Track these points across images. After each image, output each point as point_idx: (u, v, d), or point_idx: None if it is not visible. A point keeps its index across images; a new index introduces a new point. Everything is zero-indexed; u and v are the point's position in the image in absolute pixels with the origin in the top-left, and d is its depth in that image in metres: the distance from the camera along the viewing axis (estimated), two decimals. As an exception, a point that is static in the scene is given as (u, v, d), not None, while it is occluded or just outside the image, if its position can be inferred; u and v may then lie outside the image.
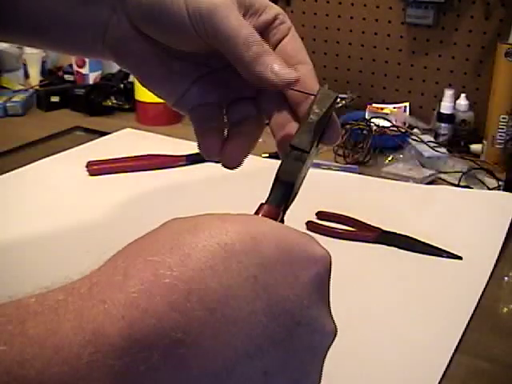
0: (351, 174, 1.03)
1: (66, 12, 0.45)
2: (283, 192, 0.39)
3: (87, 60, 1.50)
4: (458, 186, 1.00)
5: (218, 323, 0.29)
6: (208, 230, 0.31)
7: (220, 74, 0.46)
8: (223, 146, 0.44)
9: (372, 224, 0.83)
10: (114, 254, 0.32)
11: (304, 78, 0.42)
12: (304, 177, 0.42)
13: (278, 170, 0.39)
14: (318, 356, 0.34)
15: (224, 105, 0.46)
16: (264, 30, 0.43)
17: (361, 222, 0.84)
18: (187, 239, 0.30)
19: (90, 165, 1.02)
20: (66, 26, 0.46)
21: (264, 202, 0.39)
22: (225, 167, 0.45)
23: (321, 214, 0.86)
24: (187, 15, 0.40)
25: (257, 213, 0.38)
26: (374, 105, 1.26)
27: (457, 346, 0.61)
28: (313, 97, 0.42)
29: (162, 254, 0.30)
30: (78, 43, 0.48)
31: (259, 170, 1.09)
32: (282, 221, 0.39)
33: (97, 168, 1.02)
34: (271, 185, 0.40)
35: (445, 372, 0.58)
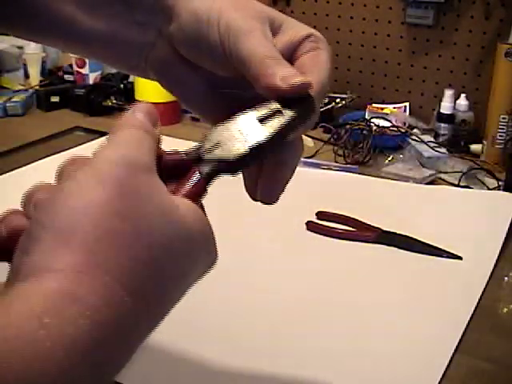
0: (351, 174, 1.03)
1: (112, 29, 0.45)
2: (222, 174, 0.37)
3: (87, 60, 1.50)
4: (458, 185, 1.00)
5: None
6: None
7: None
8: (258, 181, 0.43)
9: (372, 224, 0.83)
10: None
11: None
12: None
13: (235, 158, 0.37)
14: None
15: None
16: (293, 48, 0.43)
17: (361, 222, 0.84)
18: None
19: (90, 165, 1.02)
20: (111, 42, 0.46)
21: (198, 166, 0.37)
22: (263, 203, 0.44)
23: (321, 214, 0.86)
24: (218, 36, 0.41)
25: (190, 178, 0.36)
26: (374, 105, 1.26)
27: (457, 346, 0.61)
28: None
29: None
30: (121, 60, 0.48)
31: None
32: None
33: (97, 168, 1.01)
34: (206, 145, 0.38)
35: (445, 372, 0.58)
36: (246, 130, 0.38)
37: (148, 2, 0.44)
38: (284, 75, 0.39)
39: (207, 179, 0.37)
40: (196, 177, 0.36)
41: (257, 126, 0.38)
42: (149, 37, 0.45)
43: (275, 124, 0.38)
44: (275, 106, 0.39)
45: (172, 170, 0.36)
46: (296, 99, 0.39)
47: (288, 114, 0.38)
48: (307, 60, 0.42)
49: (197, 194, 0.36)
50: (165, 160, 0.37)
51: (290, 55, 0.42)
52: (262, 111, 0.38)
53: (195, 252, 0.34)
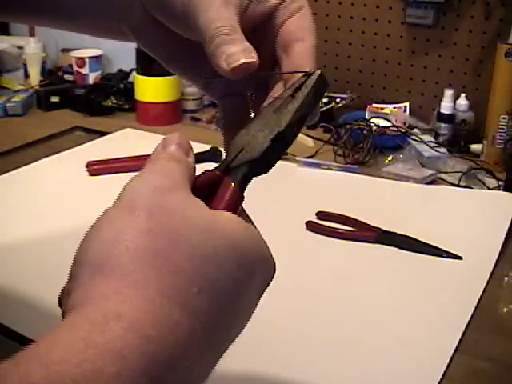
0: (351, 174, 1.03)
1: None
2: (254, 175, 0.37)
3: (87, 60, 1.50)
4: (458, 185, 1.00)
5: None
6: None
7: None
8: None
9: (372, 224, 0.83)
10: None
11: (297, 56, 0.40)
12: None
13: (261, 154, 0.37)
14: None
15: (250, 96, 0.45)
16: (272, 13, 0.42)
17: (361, 222, 0.84)
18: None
19: (90, 165, 1.02)
20: (96, 11, 0.48)
21: (229, 176, 0.37)
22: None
23: (321, 214, 0.86)
24: (182, 4, 0.40)
25: (225, 190, 0.36)
26: (374, 105, 1.26)
27: (457, 346, 0.61)
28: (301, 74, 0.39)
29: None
30: (106, 27, 0.50)
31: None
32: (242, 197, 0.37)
33: (97, 168, 1.02)
34: (231, 152, 0.37)
35: (445, 372, 0.58)
36: (265, 126, 0.37)
37: None
38: (228, 56, 0.38)
39: (241, 185, 0.36)
40: (229, 187, 0.36)
41: (274, 118, 0.38)
42: (126, 2, 0.46)
43: (291, 109, 0.37)
44: (286, 93, 0.38)
45: (207, 189, 0.36)
46: (305, 75, 0.38)
47: (300, 95, 0.38)
48: (293, 26, 0.41)
49: (234, 204, 0.36)
50: (198, 182, 0.36)
51: (271, 21, 0.41)
52: (276, 104, 0.38)
53: (244, 259, 0.32)
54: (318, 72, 0.38)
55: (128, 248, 0.29)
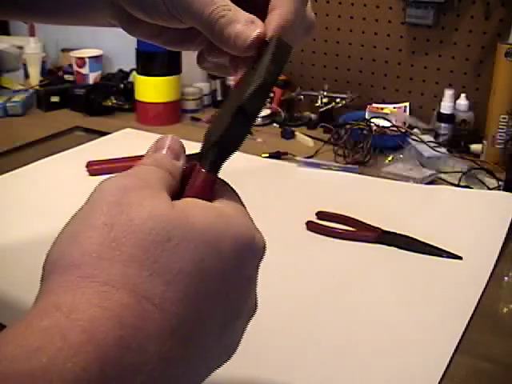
0: (351, 174, 1.04)
1: None
2: (223, 156, 0.37)
3: (87, 60, 1.50)
4: (458, 185, 1.00)
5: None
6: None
7: None
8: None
9: (372, 224, 0.83)
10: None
11: (267, 25, 0.40)
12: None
13: (223, 133, 0.36)
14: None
15: None
16: None
17: (361, 222, 0.84)
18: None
19: (90, 165, 1.02)
20: (84, 8, 0.48)
21: (199, 163, 0.37)
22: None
23: (321, 214, 0.86)
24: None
25: (195, 178, 0.36)
26: (374, 105, 1.26)
27: (457, 346, 0.61)
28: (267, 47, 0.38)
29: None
30: (97, 23, 0.50)
31: (259, 170, 1.10)
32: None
33: (97, 168, 1.02)
34: (204, 142, 0.37)
35: (445, 372, 0.58)
36: (228, 105, 0.37)
37: None
38: (236, 36, 0.38)
39: (211, 168, 0.36)
40: (197, 173, 0.36)
41: (235, 94, 0.37)
42: None
43: (250, 81, 0.36)
44: (248, 67, 0.38)
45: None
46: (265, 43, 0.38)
47: (259, 65, 0.37)
48: None
49: (201, 188, 0.36)
50: (185, 178, 0.37)
51: None
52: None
53: (205, 238, 0.32)
54: (275, 38, 0.38)
55: (81, 243, 0.31)
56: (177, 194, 0.36)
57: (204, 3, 0.39)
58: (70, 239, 0.31)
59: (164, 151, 0.37)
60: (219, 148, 0.36)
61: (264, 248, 0.36)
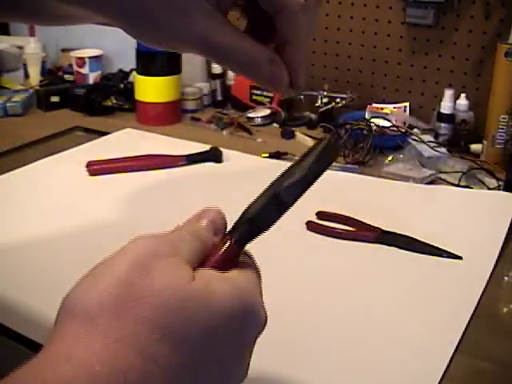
0: (351, 174, 1.04)
1: None
2: (252, 234, 0.39)
3: (87, 60, 1.50)
4: (458, 185, 1.00)
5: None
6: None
7: None
8: None
9: (372, 224, 0.83)
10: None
11: (288, 56, 0.41)
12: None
13: (256, 212, 0.39)
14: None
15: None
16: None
17: (361, 222, 0.84)
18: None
19: (90, 165, 1.02)
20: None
21: (229, 234, 0.39)
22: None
23: (321, 214, 0.86)
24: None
25: (220, 248, 0.38)
26: (374, 105, 1.26)
27: (457, 346, 0.61)
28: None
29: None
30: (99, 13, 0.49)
31: (259, 170, 1.10)
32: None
33: (97, 168, 1.02)
34: (240, 217, 0.39)
35: (445, 372, 0.58)
36: (269, 188, 0.39)
37: None
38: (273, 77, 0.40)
39: (238, 243, 0.39)
40: (223, 245, 0.38)
41: (278, 181, 0.40)
42: None
43: (292, 173, 0.39)
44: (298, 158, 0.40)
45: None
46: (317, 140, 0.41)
47: (305, 160, 0.40)
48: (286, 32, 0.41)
49: (222, 260, 0.38)
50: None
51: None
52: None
53: (216, 311, 0.34)
54: (326, 140, 0.40)
55: (101, 295, 0.32)
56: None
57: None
58: (91, 285, 0.33)
59: (205, 223, 0.39)
60: (250, 224, 0.39)
61: (266, 322, 0.38)
